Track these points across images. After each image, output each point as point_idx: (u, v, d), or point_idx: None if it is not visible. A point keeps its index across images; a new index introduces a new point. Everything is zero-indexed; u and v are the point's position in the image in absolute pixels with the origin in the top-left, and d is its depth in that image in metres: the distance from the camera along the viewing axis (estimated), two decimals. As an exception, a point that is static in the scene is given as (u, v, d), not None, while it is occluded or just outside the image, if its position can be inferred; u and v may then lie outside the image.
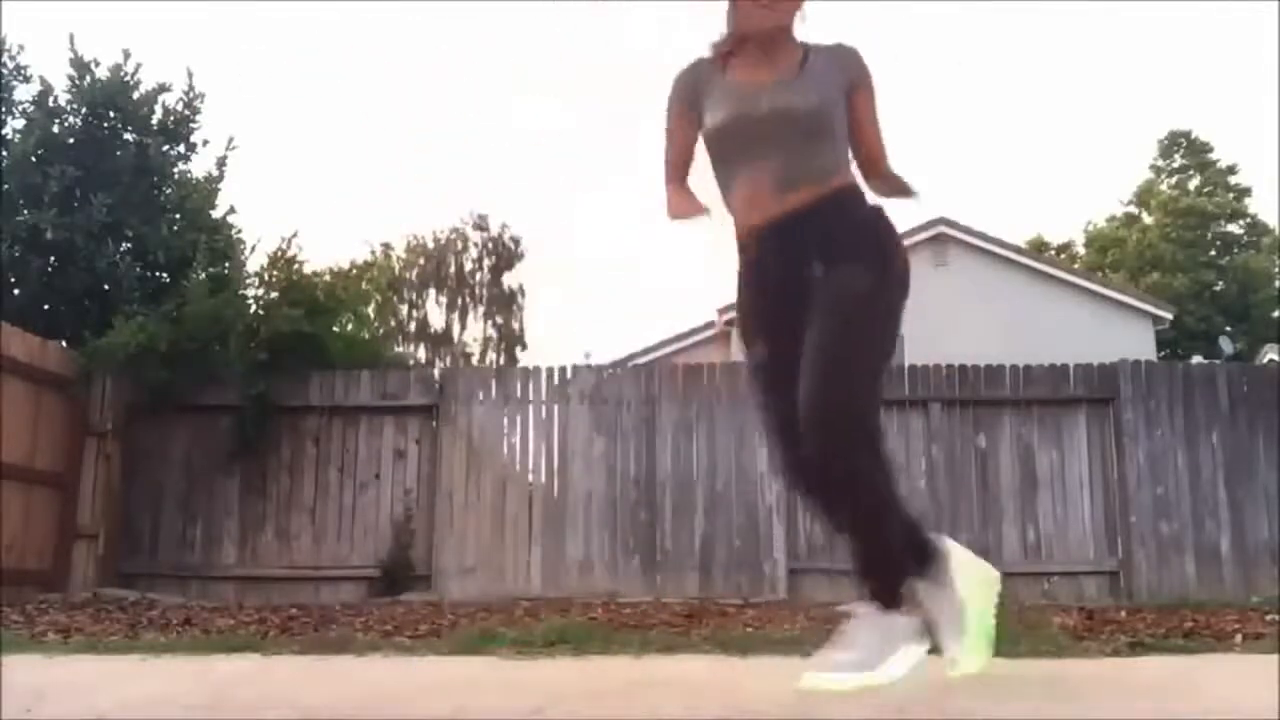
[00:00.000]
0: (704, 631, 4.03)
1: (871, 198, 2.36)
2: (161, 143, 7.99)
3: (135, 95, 7.99)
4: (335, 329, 7.98)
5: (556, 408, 7.31)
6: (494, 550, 7.08)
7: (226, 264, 7.77)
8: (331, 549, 7.13)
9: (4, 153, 7.72)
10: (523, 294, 27.76)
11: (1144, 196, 30.25)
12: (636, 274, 41.13)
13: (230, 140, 8.33)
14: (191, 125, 8.25)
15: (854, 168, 2.36)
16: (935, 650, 2.19)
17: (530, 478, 7.35)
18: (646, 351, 14.66)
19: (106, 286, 7.52)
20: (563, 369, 7.47)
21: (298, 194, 34.47)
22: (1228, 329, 24.11)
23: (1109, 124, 45.78)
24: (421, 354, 25.70)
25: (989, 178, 46.56)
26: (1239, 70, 45.99)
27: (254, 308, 7.54)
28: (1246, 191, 29.08)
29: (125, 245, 7.69)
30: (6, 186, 7.53)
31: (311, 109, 42.85)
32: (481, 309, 27.55)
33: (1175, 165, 30.19)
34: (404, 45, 43.56)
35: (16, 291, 7.45)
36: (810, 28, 2.36)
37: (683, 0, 2.27)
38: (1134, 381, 7.17)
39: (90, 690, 2.38)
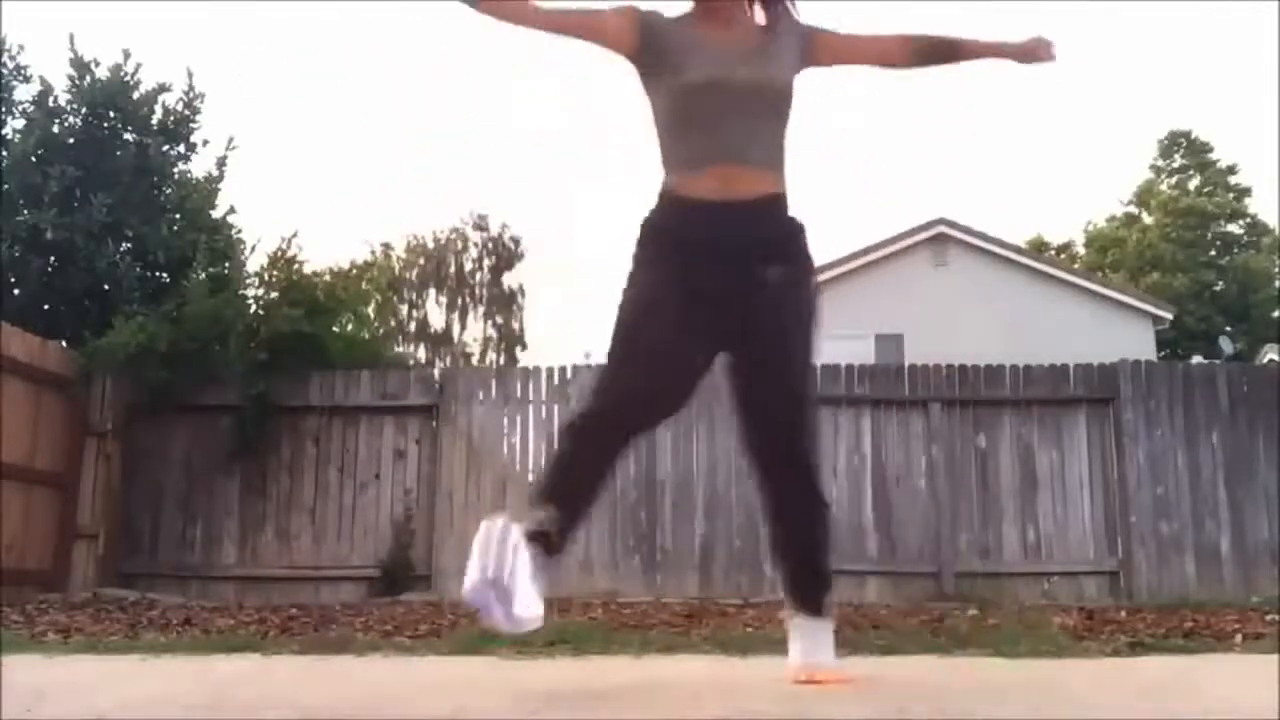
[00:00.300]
0: (704, 631, 4.02)
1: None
2: (161, 143, 7.99)
3: (135, 95, 7.99)
4: (335, 329, 7.99)
5: (556, 408, 7.30)
6: (494, 550, 7.06)
7: (226, 264, 7.78)
8: (331, 549, 7.13)
9: (4, 153, 7.71)
10: (523, 294, 27.82)
11: (1144, 196, 30.25)
12: (636, 274, 40.98)
13: (230, 140, 8.36)
14: (191, 125, 8.26)
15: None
16: None
17: (530, 478, 7.33)
18: (646, 351, 14.63)
19: (106, 286, 7.52)
20: (563, 369, 7.47)
21: (298, 194, 34.53)
22: (1228, 329, 24.11)
23: (1109, 124, 45.85)
24: (421, 354, 25.72)
25: (989, 178, 46.63)
26: (1239, 70, 46.04)
27: (254, 308, 7.54)
28: (1246, 191, 29.11)
29: (125, 245, 7.69)
30: (6, 186, 7.53)
31: (311, 109, 42.94)
32: (481, 309, 27.58)
33: (1175, 165, 30.20)
34: (404, 45, 43.64)
35: (16, 291, 7.45)
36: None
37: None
38: (1134, 381, 7.16)
39: (90, 690, 2.37)
